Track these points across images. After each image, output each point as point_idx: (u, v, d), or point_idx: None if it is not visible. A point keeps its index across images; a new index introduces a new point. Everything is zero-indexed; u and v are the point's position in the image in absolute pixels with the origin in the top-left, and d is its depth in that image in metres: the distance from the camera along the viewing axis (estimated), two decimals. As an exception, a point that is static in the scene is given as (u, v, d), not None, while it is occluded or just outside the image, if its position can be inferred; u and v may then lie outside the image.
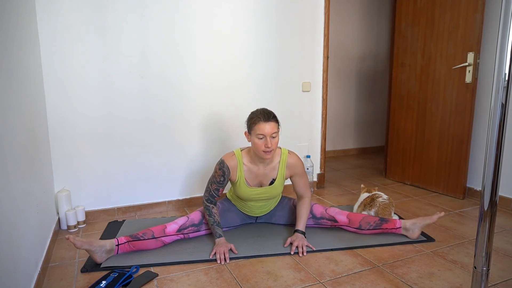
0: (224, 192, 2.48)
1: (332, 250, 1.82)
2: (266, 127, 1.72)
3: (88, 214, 2.26)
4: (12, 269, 1.19)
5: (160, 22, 2.27)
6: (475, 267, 1.15)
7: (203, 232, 1.94)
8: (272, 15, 2.60)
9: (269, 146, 1.72)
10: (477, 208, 2.46)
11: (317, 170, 2.98)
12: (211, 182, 1.88)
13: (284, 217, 2.10)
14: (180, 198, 2.53)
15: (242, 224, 2.11)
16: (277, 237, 1.95)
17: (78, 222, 2.18)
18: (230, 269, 1.65)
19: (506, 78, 1.00)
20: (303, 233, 1.87)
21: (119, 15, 2.17)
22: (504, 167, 2.45)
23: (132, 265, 1.65)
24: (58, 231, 2.12)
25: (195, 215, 1.94)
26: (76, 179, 2.22)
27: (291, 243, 1.83)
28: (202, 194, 2.56)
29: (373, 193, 2.20)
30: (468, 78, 2.50)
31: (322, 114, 2.90)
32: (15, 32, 1.49)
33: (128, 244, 1.74)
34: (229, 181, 1.93)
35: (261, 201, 1.98)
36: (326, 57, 2.83)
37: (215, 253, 1.73)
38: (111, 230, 2.11)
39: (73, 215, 2.14)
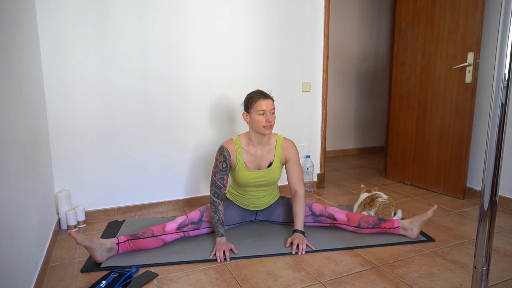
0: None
1: (332, 250, 1.82)
2: (266, 103, 1.85)
3: (88, 214, 2.26)
4: (12, 269, 1.19)
5: (160, 22, 2.28)
6: (475, 267, 1.15)
7: (203, 231, 1.95)
8: (272, 15, 2.60)
9: (270, 120, 1.85)
10: (477, 208, 2.46)
11: (317, 170, 2.98)
12: (214, 172, 1.92)
13: (284, 214, 2.11)
14: (180, 198, 2.53)
15: (242, 222, 2.11)
16: (277, 237, 1.96)
17: (78, 222, 2.18)
18: (230, 269, 1.65)
19: (506, 78, 1.01)
20: (303, 232, 1.88)
21: (119, 15, 2.17)
22: (504, 167, 2.45)
23: (132, 265, 1.65)
24: (58, 231, 2.12)
25: (194, 214, 1.95)
26: (76, 179, 2.22)
27: (291, 243, 1.84)
28: (203, 194, 2.58)
29: (373, 193, 2.21)
30: (468, 78, 2.50)
31: (322, 114, 2.90)
32: (15, 32, 1.49)
33: (128, 243, 1.75)
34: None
35: (260, 188, 2.00)
36: (326, 57, 2.83)
37: (215, 252, 1.74)
38: (111, 230, 2.11)
39: (73, 215, 2.14)
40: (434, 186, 2.82)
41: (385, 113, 4.58)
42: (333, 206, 2.51)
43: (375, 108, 4.59)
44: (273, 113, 1.88)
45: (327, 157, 4.21)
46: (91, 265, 1.67)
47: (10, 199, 1.24)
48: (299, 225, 1.89)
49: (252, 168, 1.97)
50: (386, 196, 2.14)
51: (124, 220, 2.25)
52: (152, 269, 1.65)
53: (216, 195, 1.90)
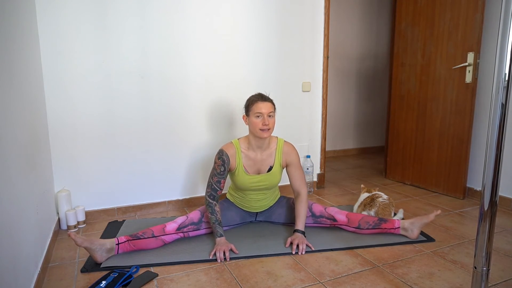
0: (224, 192, 2.48)
1: (332, 250, 1.82)
2: (263, 106, 1.82)
3: (88, 214, 2.26)
4: (12, 269, 1.19)
5: (160, 22, 2.27)
6: (475, 267, 1.15)
7: (203, 231, 1.95)
8: (272, 15, 2.60)
9: (267, 123, 1.80)
10: (477, 208, 2.46)
11: (317, 170, 2.98)
12: (212, 175, 1.91)
13: (284, 215, 2.10)
14: (180, 198, 2.53)
15: (242, 222, 2.11)
16: (277, 237, 1.95)
17: (78, 222, 2.18)
18: (230, 269, 1.65)
19: (506, 78, 1.00)
20: (303, 232, 1.88)
21: (120, 15, 2.17)
22: (504, 167, 2.45)
23: (132, 265, 1.65)
24: (58, 231, 2.12)
25: (195, 214, 1.95)
26: (76, 179, 2.22)
27: (291, 243, 1.84)
28: (202, 194, 2.58)
29: (373, 193, 2.21)
30: (468, 78, 2.50)
31: (322, 114, 2.90)
32: (15, 32, 1.49)
33: (128, 243, 1.75)
34: (228, 175, 1.95)
35: (260, 192, 1.99)
36: (326, 57, 2.83)
37: (215, 252, 1.74)
38: (111, 230, 2.11)
39: (73, 215, 2.14)
40: (434, 186, 2.82)
41: (385, 113, 4.58)
42: (333, 206, 2.51)
43: (375, 108, 4.59)
44: (271, 116, 1.84)
45: (327, 157, 4.21)
46: (91, 265, 1.67)
47: (10, 199, 1.23)
48: (300, 225, 1.89)
49: (251, 173, 1.95)
50: (386, 196, 2.14)
51: (124, 220, 2.25)
52: (152, 269, 1.65)
53: (211, 197, 1.90)
